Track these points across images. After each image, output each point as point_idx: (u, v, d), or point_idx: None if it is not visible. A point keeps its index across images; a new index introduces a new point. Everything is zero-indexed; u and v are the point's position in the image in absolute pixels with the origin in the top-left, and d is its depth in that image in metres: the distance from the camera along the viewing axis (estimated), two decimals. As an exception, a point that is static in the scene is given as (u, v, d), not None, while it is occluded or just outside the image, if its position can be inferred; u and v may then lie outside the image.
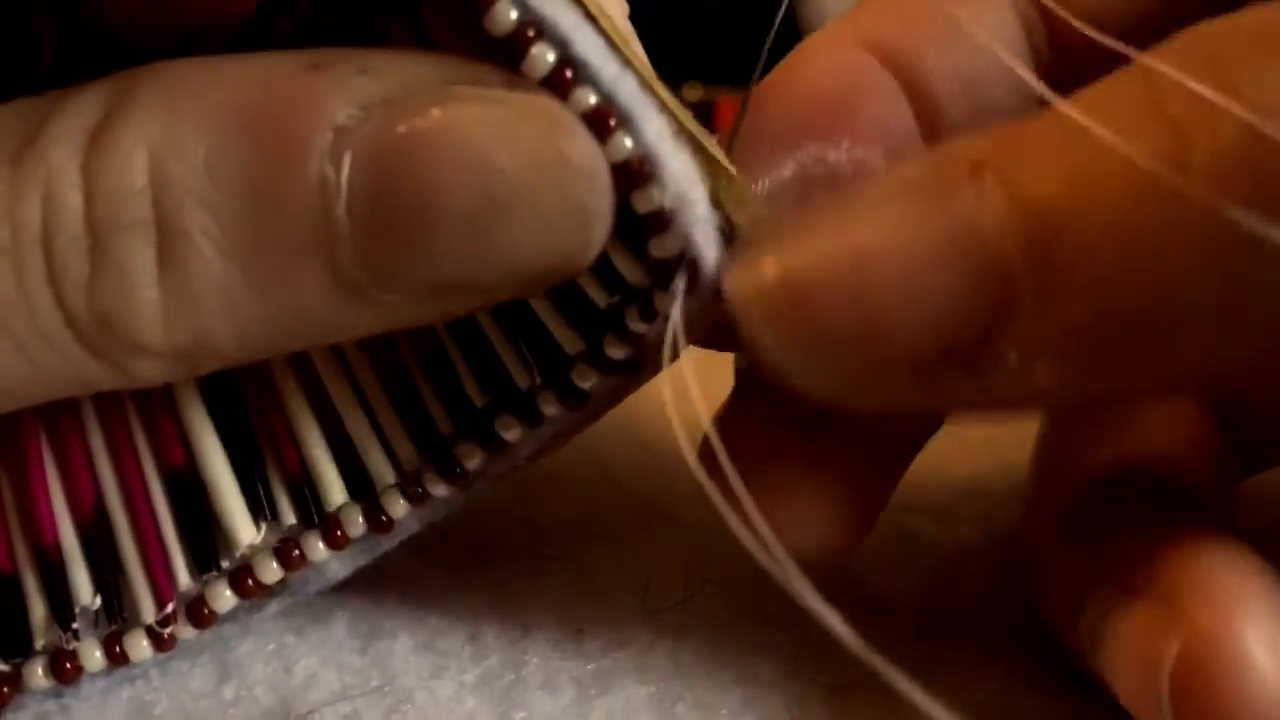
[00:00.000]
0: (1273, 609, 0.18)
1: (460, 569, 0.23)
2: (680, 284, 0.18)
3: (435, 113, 0.17)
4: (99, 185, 0.17)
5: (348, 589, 0.22)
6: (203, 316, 0.17)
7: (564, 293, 0.19)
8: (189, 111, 0.17)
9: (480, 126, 0.17)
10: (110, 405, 0.20)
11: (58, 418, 0.20)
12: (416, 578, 0.23)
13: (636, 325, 0.19)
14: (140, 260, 0.17)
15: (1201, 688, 0.18)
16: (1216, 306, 0.16)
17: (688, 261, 0.18)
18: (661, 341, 0.18)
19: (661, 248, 0.18)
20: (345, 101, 0.17)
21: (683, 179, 0.18)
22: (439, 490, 0.20)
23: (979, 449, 0.27)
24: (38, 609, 0.20)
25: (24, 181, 0.17)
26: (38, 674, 0.20)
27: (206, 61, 0.18)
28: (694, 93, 0.57)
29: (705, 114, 0.57)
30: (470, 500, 0.21)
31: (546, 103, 0.17)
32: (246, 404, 0.20)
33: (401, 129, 0.17)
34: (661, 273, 0.18)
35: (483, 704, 0.20)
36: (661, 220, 0.18)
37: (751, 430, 0.20)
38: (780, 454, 0.20)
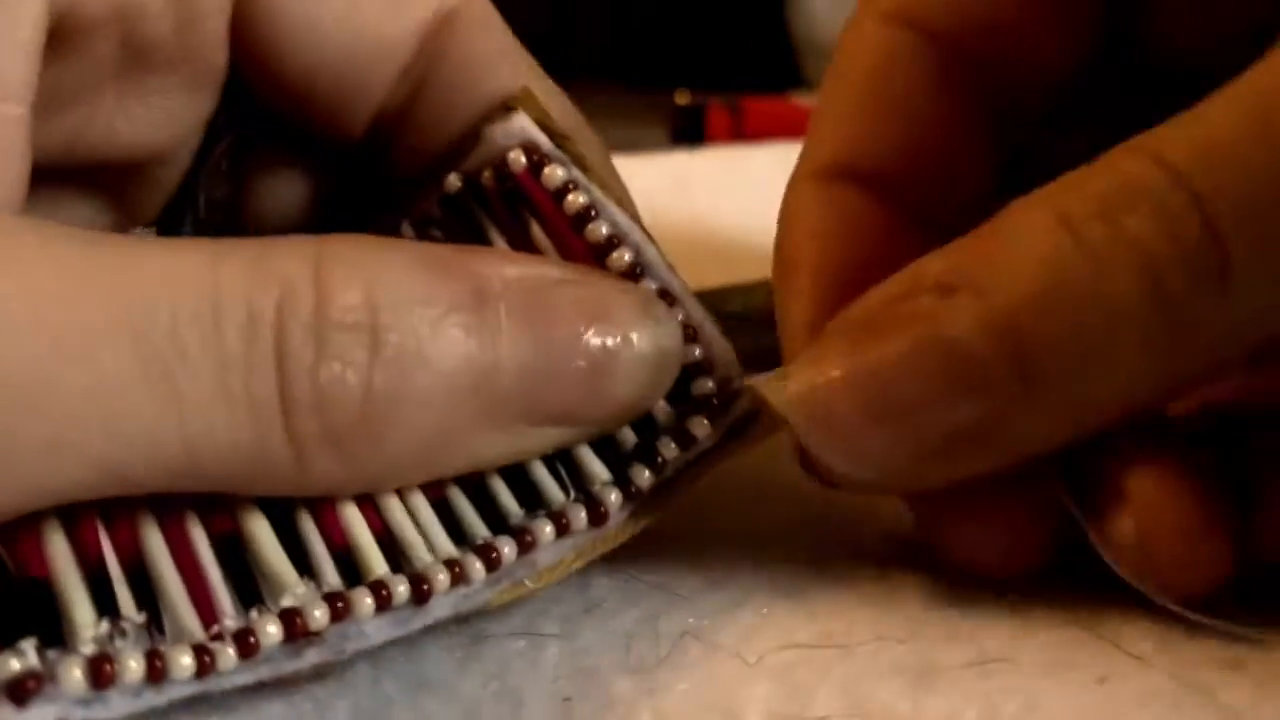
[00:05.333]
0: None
1: (458, 656, 0.24)
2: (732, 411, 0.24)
3: (564, 285, 0.23)
4: (327, 292, 0.21)
5: (349, 682, 0.23)
6: (394, 408, 0.21)
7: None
8: (383, 260, 0.22)
9: (597, 293, 0.23)
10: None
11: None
12: (415, 669, 0.24)
13: (669, 451, 0.24)
14: (356, 355, 0.21)
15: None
16: (1152, 375, 0.21)
17: (728, 392, 0.24)
18: (680, 473, 0.24)
19: (702, 387, 0.24)
20: (499, 275, 0.22)
21: (716, 339, 0.25)
22: (477, 573, 0.22)
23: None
24: (83, 611, 0.20)
25: (263, 278, 0.21)
26: (75, 674, 0.20)
27: (370, 236, 0.23)
28: (683, 98, 0.58)
29: (696, 118, 0.58)
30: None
31: (637, 285, 0.24)
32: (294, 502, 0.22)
33: (540, 294, 0.22)
34: (698, 405, 0.24)
35: (478, 775, 0.21)
36: (702, 368, 0.24)
37: None
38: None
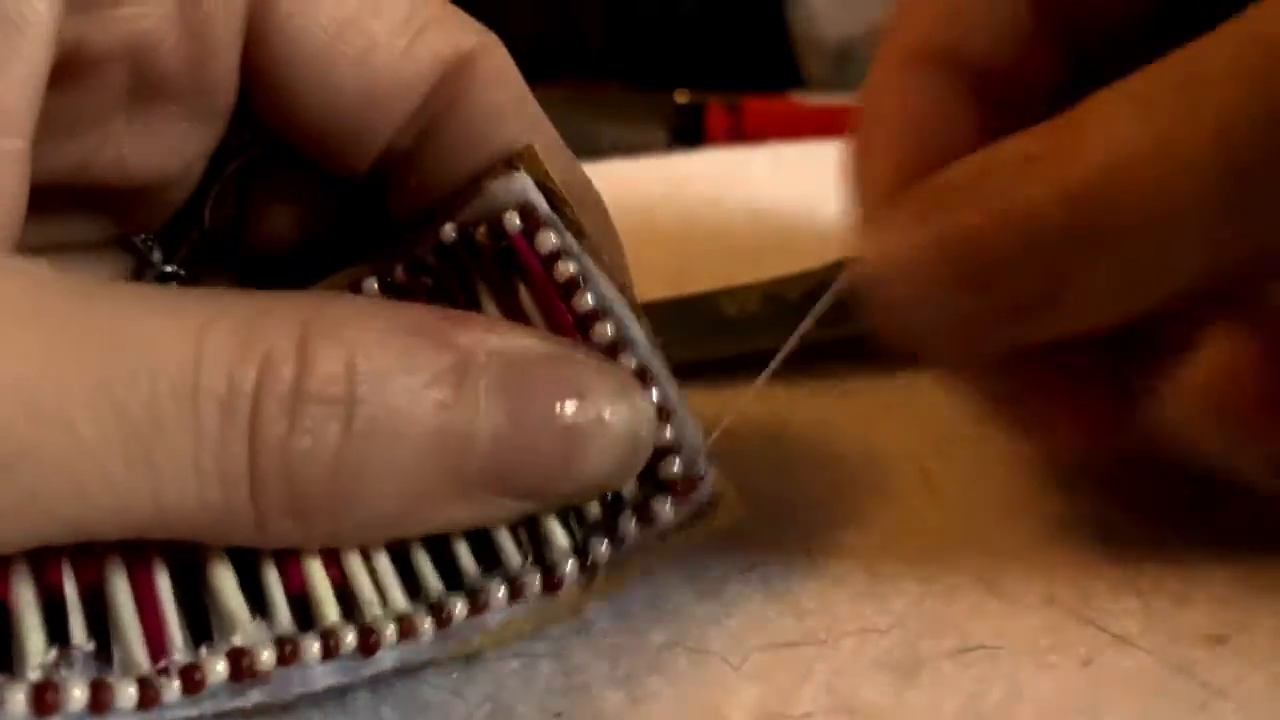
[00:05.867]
0: None
1: (454, 678, 0.25)
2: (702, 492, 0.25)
3: (544, 361, 0.23)
4: (309, 363, 0.21)
5: (349, 708, 0.24)
6: (361, 481, 0.22)
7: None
8: (371, 329, 0.22)
9: (576, 371, 0.23)
10: None
11: None
12: (413, 692, 0.24)
13: (629, 528, 0.24)
14: (329, 429, 0.21)
15: None
16: (1221, 245, 0.21)
17: (693, 476, 0.25)
18: (635, 549, 0.24)
19: (669, 469, 0.25)
20: (482, 347, 0.22)
21: (688, 425, 0.25)
22: (426, 631, 0.23)
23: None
24: (35, 639, 0.21)
25: (247, 348, 0.21)
26: (19, 698, 0.20)
27: (363, 299, 0.24)
28: (683, 97, 0.58)
29: (695, 117, 0.58)
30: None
31: (615, 364, 0.24)
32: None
33: (520, 369, 0.23)
34: (662, 487, 0.25)
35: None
36: (671, 449, 0.25)
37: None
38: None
